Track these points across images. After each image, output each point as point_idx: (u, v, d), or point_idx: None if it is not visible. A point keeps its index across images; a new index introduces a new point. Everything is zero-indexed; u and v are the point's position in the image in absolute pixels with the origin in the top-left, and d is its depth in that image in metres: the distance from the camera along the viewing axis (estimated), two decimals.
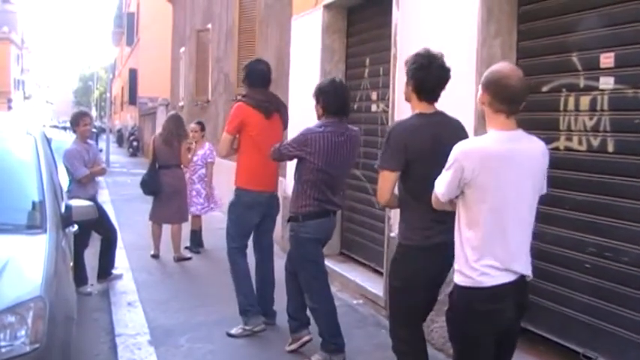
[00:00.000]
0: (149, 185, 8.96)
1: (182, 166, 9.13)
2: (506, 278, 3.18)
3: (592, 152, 4.42)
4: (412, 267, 4.01)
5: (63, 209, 4.79)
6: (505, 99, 3.18)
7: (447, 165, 3.21)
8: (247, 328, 5.90)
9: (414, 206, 4.01)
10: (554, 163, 3.81)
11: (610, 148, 4.29)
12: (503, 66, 3.33)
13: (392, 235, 6.30)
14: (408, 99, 4.20)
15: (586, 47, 4.46)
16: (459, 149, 3.20)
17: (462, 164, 3.15)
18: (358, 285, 7.08)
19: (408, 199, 4.05)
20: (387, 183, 4.01)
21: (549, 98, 4.64)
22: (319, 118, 5.24)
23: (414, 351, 4.13)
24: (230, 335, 5.85)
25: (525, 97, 3.25)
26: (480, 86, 3.29)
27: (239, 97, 6.41)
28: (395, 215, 6.26)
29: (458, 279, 3.26)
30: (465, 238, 3.23)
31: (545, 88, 4.73)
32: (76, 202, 4.99)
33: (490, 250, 3.16)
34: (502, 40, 5.05)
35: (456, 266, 3.30)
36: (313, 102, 5.33)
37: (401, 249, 4.10)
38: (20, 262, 3.90)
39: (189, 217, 9.52)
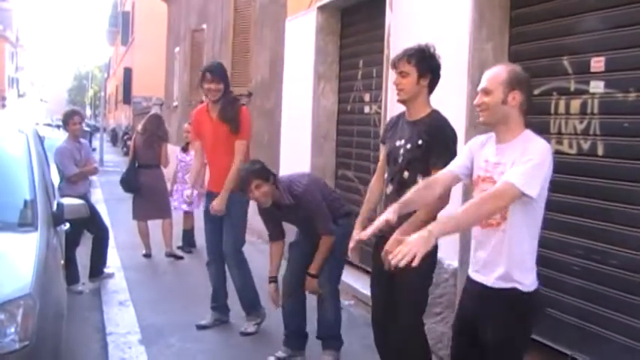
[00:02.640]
0: (128, 183, 9.01)
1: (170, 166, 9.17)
2: None
3: (582, 155, 4.44)
4: (434, 263, 4.11)
5: (55, 207, 4.79)
6: (529, 100, 3.20)
7: (538, 161, 3.06)
8: (259, 321, 6.09)
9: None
10: None
11: (600, 151, 4.31)
12: (518, 66, 3.31)
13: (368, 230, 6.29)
14: (413, 97, 4.05)
15: (577, 51, 4.49)
16: (547, 147, 3.13)
17: (549, 162, 3.13)
18: (349, 286, 7.09)
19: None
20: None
21: (540, 101, 4.66)
22: None
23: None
24: (246, 334, 5.96)
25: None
26: (500, 86, 3.16)
27: (239, 100, 6.43)
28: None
29: (535, 285, 3.25)
30: (532, 245, 3.24)
31: (536, 92, 4.74)
32: (67, 201, 4.99)
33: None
34: (494, 44, 5.08)
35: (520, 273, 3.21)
36: (310, 102, 5.36)
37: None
38: (10, 259, 3.91)
39: (182, 216, 9.54)
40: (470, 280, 3.38)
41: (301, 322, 5.36)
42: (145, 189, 8.87)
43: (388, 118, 6.25)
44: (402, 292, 4.06)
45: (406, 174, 4.05)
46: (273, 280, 5.37)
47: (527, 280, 3.20)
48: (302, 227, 5.35)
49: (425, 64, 4.02)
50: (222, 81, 5.99)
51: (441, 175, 3.53)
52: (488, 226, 3.23)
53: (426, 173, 3.90)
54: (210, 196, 6.10)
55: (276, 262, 5.40)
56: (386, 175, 4.27)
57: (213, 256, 6.28)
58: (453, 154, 3.85)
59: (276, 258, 5.41)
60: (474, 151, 3.39)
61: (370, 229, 3.55)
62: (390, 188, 4.18)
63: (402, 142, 4.11)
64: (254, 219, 6.57)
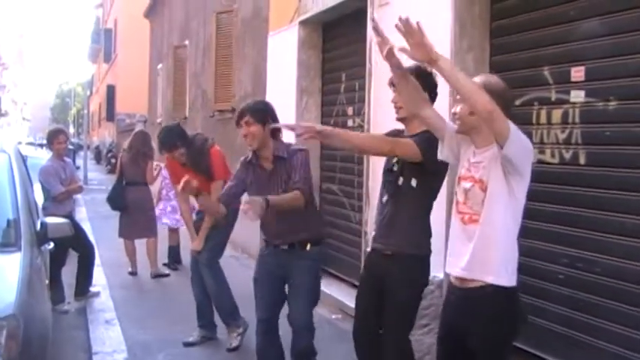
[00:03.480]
0: (115, 201, 8.97)
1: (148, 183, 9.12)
2: None
3: (565, 164, 4.48)
4: (425, 284, 4.13)
5: (38, 227, 4.77)
6: (507, 109, 3.14)
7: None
8: (241, 331, 6.07)
9: (427, 218, 4.01)
10: None
11: (582, 160, 4.35)
12: (498, 78, 3.30)
13: (368, 249, 6.31)
14: (412, 115, 4.00)
15: (557, 61, 4.53)
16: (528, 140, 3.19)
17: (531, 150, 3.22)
18: (336, 300, 7.09)
19: (426, 211, 4.01)
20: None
21: (522, 112, 4.69)
22: None
23: None
24: (233, 349, 5.93)
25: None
26: None
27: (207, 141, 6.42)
28: (372, 230, 6.28)
29: (507, 281, 3.19)
30: (514, 232, 3.20)
31: (517, 102, 4.77)
32: (51, 220, 4.96)
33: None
34: (474, 55, 5.12)
35: (498, 268, 3.19)
36: (294, 116, 5.28)
37: (425, 259, 4.05)
38: None
39: (168, 233, 9.51)
40: (450, 285, 3.40)
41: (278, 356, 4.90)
42: (131, 207, 8.83)
43: (372, 131, 6.30)
44: (393, 309, 4.04)
45: (400, 180, 4.04)
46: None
47: (504, 277, 3.18)
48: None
49: (422, 83, 4.02)
50: (173, 148, 6.17)
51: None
52: (470, 222, 3.24)
53: (418, 176, 3.94)
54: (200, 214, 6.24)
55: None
56: (380, 187, 4.26)
57: (196, 274, 6.25)
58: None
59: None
60: (461, 145, 3.41)
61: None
62: (385, 197, 4.17)
63: None
64: (237, 234, 6.57)
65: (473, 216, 3.23)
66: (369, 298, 4.20)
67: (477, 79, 3.27)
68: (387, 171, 4.19)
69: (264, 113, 4.60)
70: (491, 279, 3.18)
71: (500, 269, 3.18)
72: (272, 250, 4.70)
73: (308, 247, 4.60)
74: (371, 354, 4.20)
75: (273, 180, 4.55)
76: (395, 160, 4.11)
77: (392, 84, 4.13)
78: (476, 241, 3.21)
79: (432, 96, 4.09)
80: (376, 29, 3.54)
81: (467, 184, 3.26)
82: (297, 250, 4.58)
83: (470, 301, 3.25)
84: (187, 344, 6.03)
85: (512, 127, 3.01)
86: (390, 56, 3.51)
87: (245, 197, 4.43)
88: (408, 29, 3.05)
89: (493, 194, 3.15)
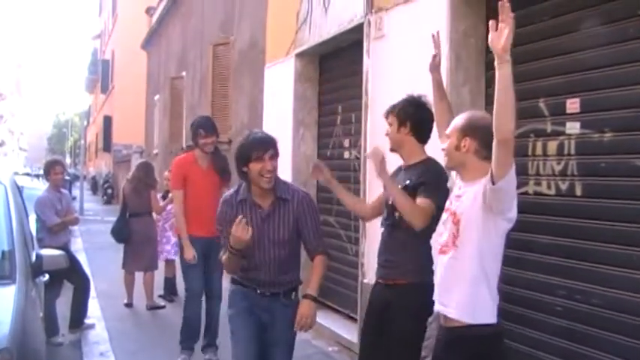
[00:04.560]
0: (119, 233, 8.94)
1: (153, 213, 9.10)
2: None
3: (561, 196, 4.48)
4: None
5: (34, 259, 4.74)
6: (490, 146, 3.09)
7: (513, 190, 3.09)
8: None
9: (427, 247, 3.87)
10: (524, 207, 3.85)
11: (578, 191, 4.35)
12: (485, 114, 3.32)
13: (365, 281, 6.31)
14: (398, 146, 4.16)
15: (552, 93, 4.55)
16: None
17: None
18: (333, 332, 7.05)
19: (425, 240, 3.89)
20: (430, 214, 3.77)
21: (518, 143, 4.66)
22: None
23: None
24: None
25: None
26: (455, 132, 3.26)
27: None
28: (369, 261, 6.28)
29: (490, 320, 3.18)
30: (487, 271, 3.17)
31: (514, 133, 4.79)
32: (46, 252, 4.95)
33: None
34: (470, 87, 5.15)
35: (462, 304, 3.19)
36: (290, 148, 5.17)
37: (426, 287, 3.81)
38: None
39: (163, 264, 9.47)
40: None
41: None
42: (136, 238, 8.80)
43: (368, 163, 6.31)
44: (394, 339, 4.02)
45: (397, 214, 4.04)
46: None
47: (467, 314, 3.17)
48: (271, 254, 4.13)
49: (403, 114, 4.12)
50: (215, 134, 6.53)
51: None
52: (441, 253, 3.29)
53: None
54: (198, 241, 6.33)
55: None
56: (381, 220, 4.29)
57: (195, 301, 6.50)
58: (437, 190, 3.87)
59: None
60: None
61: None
62: (383, 229, 4.24)
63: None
64: None
65: (443, 247, 3.28)
66: (372, 333, 4.20)
67: (464, 114, 3.37)
68: (386, 202, 4.22)
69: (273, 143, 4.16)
70: (453, 313, 3.21)
71: (465, 306, 3.17)
72: (249, 293, 4.21)
73: (293, 295, 4.23)
74: None
75: (269, 222, 4.10)
76: None
77: (387, 116, 4.21)
78: (443, 271, 3.28)
79: (418, 126, 4.13)
80: (435, 42, 3.90)
81: (444, 216, 3.33)
82: (281, 298, 4.18)
83: (442, 331, 3.34)
84: None
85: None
86: (433, 68, 3.82)
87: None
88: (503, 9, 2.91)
89: (465, 228, 3.17)
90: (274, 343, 4.19)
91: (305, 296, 4.07)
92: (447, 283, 3.26)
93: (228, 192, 4.34)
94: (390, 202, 4.11)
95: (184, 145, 6.71)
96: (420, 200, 3.85)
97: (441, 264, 3.32)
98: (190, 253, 6.26)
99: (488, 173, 3.08)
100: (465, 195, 3.22)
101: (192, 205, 6.38)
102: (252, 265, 4.13)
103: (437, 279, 3.36)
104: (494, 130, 2.93)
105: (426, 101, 4.20)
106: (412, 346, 3.99)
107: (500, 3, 2.90)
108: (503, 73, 2.90)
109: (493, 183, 2.97)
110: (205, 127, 6.48)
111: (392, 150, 4.24)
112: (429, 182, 3.93)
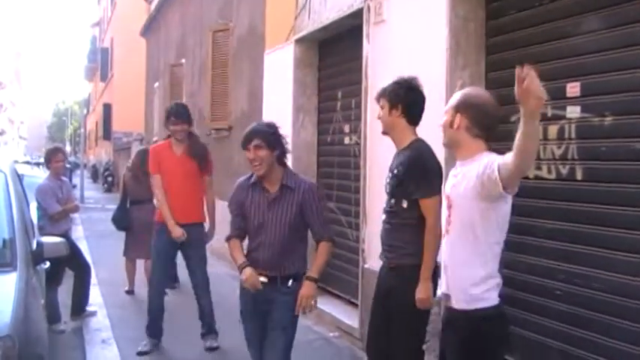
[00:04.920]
0: (120, 221, 8.94)
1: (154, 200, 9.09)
2: None
3: (561, 180, 4.47)
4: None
5: (34, 246, 4.75)
6: (484, 126, 3.19)
7: None
8: (216, 336, 6.50)
9: (421, 227, 4.04)
10: (525, 192, 3.86)
11: (578, 175, 4.34)
12: (482, 92, 3.32)
13: (366, 266, 6.32)
14: (390, 128, 4.20)
15: (552, 77, 4.53)
16: None
17: None
18: (334, 317, 7.06)
19: (421, 224, 4.04)
20: (440, 207, 3.71)
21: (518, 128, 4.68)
22: None
23: None
24: (214, 348, 6.34)
25: (498, 126, 3.30)
26: (450, 109, 3.27)
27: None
28: (370, 247, 6.28)
29: (487, 304, 3.17)
30: (484, 252, 3.16)
31: (513, 118, 4.75)
32: (47, 239, 4.95)
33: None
34: (470, 72, 5.14)
35: (458, 288, 3.24)
36: (290, 134, 5.09)
37: (419, 269, 4.02)
38: None
39: None
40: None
41: None
42: (136, 226, 8.79)
43: (368, 149, 6.32)
44: (399, 321, 4.10)
45: (392, 201, 4.18)
46: (245, 265, 4.32)
47: (461, 300, 3.19)
48: (275, 237, 4.32)
49: (395, 96, 4.17)
50: (187, 122, 6.50)
51: None
52: (445, 233, 3.33)
53: (410, 199, 4.07)
54: (164, 227, 6.40)
55: (241, 252, 4.45)
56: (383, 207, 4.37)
57: (158, 292, 6.63)
58: (430, 183, 4.02)
59: (240, 249, 4.47)
60: None
61: None
62: (383, 216, 4.31)
63: (390, 172, 4.24)
64: None
65: (444, 230, 3.34)
66: (378, 315, 4.28)
67: (461, 91, 3.38)
68: (386, 191, 4.29)
69: (275, 138, 4.34)
70: (452, 297, 3.25)
71: (460, 290, 3.20)
72: None
73: (290, 282, 4.34)
74: None
75: (274, 206, 4.31)
76: (387, 181, 4.21)
77: (378, 99, 4.22)
78: (443, 254, 3.34)
79: (409, 109, 4.19)
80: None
81: (443, 198, 3.39)
82: (279, 284, 4.31)
83: (445, 311, 3.39)
84: (141, 353, 6.30)
85: None
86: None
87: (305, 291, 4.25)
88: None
89: (458, 213, 3.21)
90: (273, 326, 4.32)
91: (306, 278, 4.27)
92: (447, 266, 3.30)
93: (243, 177, 4.55)
94: (387, 191, 4.17)
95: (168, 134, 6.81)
96: (423, 204, 4.00)
97: (443, 246, 3.37)
98: (179, 231, 6.32)
99: (480, 153, 3.16)
100: (459, 177, 3.23)
101: (166, 191, 6.46)
102: (256, 244, 4.35)
103: (441, 261, 3.40)
104: (516, 166, 2.86)
105: (417, 83, 4.24)
106: (416, 325, 4.10)
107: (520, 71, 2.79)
108: (534, 125, 2.78)
109: (503, 187, 2.96)
110: (176, 113, 6.47)
111: (384, 133, 4.30)
112: (419, 177, 4.02)
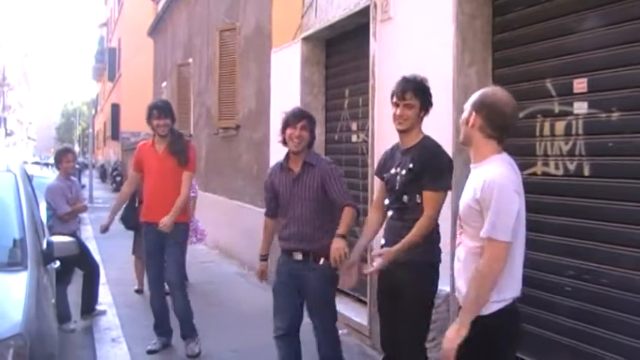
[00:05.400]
0: (128, 220, 8.95)
1: None
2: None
3: (568, 176, 4.48)
4: (434, 292, 4.25)
5: (44, 246, 4.78)
6: (498, 126, 3.16)
7: (501, 203, 3.01)
8: (198, 340, 6.32)
9: (436, 227, 4.16)
10: (532, 188, 3.87)
11: (586, 171, 4.35)
12: (499, 91, 3.26)
13: (374, 263, 6.31)
14: (411, 127, 4.19)
15: (559, 73, 4.54)
16: (509, 181, 3.07)
17: (519, 197, 3.10)
18: (343, 315, 7.06)
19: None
20: (442, 204, 4.02)
21: (525, 124, 4.70)
22: None
23: None
24: (195, 355, 6.18)
25: (513, 127, 3.28)
26: (469, 107, 3.25)
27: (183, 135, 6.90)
28: (378, 245, 6.28)
29: (505, 302, 3.16)
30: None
31: (521, 115, 4.78)
32: (57, 239, 4.97)
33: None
34: (477, 69, 5.14)
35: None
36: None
37: (435, 266, 4.15)
38: (0, 299, 3.88)
39: None
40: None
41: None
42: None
43: (376, 146, 6.31)
44: (405, 315, 4.13)
45: (405, 198, 4.18)
46: (264, 258, 5.20)
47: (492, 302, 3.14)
48: (300, 211, 4.88)
49: (425, 98, 4.22)
50: (169, 117, 6.37)
51: None
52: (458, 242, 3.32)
53: (421, 193, 4.10)
54: (149, 226, 6.32)
55: (268, 240, 5.23)
56: (386, 202, 4.37)
57: (157, 291, 6.55)
58: (443, 177, 4.09)
59: (269, 236, 5.23)
60: None
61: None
62: (390, 212, 4.32)
63: (398, 169, 4.24)
64: (244, 252, 6.51)
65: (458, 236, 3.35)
66: (390, 312, 4.29)
67: (482, 89, 3.34)
68: (391, 187, 4.30)
69: (314, 124, 5.07)
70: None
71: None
72: (286, 259, 4.95)
73: (321, 261, 4.74)
74: None
75: (298, 183, 4.89)
76: (397, 178, 4.21)
77: (401, 97, 4.17)
78: (457, 259, 3.33)
79: (427, 108, 4.23)
80: None
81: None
82: (311, 262, 4.83)
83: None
84: (151, 352, 6.32)
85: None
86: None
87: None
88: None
89: (467, 225, 3.22)
90: (311, 306, 4.93)
91: (335, 235, 4.65)
92: (458, 271, 3.30)
93: (275, 163, 5.19)
94: (398, 188, 4.17)
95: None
96: (427, 195, 4.06)
97: (456, 255, 3.36)
98: (105, 226, 6.55)
99: (489, 157, 3.15)
100: (467, 185, 3.23)
101: (147, 189, 6.43)
102: (287, 221, 4.94)
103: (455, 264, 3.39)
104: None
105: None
106: (421, 320, 4.16)
107: None
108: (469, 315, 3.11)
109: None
110: (159, 108, 6.38)
111: (402, 131, 4.25)
112: (434, 170, 4.07)
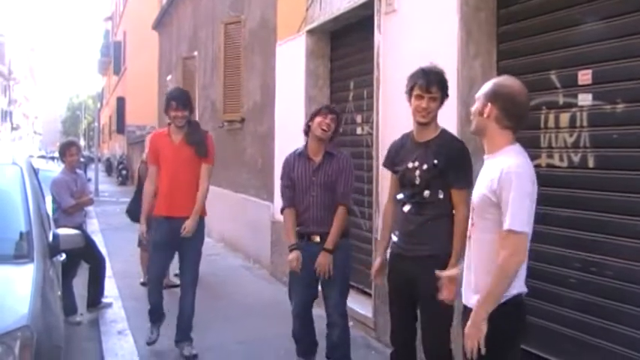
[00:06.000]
0: (135, 213, 8.95)
1: None
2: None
3: (573, 168, 4.48)
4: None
5: (50, 238, 4.79)
6: (514, 116, 3.15)
7: (520, 194, 3.03)
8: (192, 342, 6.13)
9: (449, 220, 4.15)
10: (537, 180, 3.85)
11: (590, 163, 4.34)
12: (512, 81, 3.26)
13: (445, 292, 6.32)
14: (432, 119, 4.22)
15: (564, 65, 4.53)
16: (526, 172, 3.08)
17: (534, 187, 3.11)
18: (347, 307, 7.05)
19: (446, 215, 4.15)
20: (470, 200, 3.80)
21: (530, 116, 4.68)
22: None
23: None
24: (194, 356, 6.01)
25: (528, 115, 3.29)
26: (482, 97, 3.23)
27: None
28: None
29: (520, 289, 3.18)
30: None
31: None
32: (63, 231, 4.98)
33: None
34: (482, 61, 5.13)
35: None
36: (302, 125, 5.43)
37: (445, 260, 4.07)
38: (7, 291, 3.89)
39: None
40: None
41: (312, 335, 5.51)
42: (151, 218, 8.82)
43: (380, 139, 6.31)
44: (430, 310, 4.15)
45: (427, 193, 4.18)
46: (293, 247, 5.27)
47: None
48: (319, 198, 5.22)
49: (445, 90, 4.26)
50: (188, 108, 6.12)
51: None
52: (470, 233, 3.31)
53: (446, 189, 4.12)
54: (168, 221, 6.03)
55: (294, 230, 5.32)
56: (400, 196, 4.35)
57: (157, 287, 6.34)
58: (468, 173, 4.10)
59: (293, 226, 5.33)
60: None
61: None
62: (408, 207, 4.28)
63: (417, 163, 4.21)
64: (249, 245, 6.51)
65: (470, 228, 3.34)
66: (404, 306, 4.32)
67: (495, 79, 3.34)
68: (408, 182, 4.27)
69: (340, 123, 5.52)
70: (471, 298, 3.23)
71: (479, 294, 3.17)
72: (305, 244, 5.24)
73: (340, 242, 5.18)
74: (409, 356, 4.37)
75: (318, 172, 5.24)
76: (416, 173, 4.19)
77: (427, 90, 4.17)
78: (468, 250, 3.32)
79: (444, 100, 4.26)
80: None
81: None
82: None
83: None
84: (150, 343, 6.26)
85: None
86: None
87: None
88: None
89: (479, 218, 3.22)
90: (327, 282, 5.22)
91: (323, 249, 5.13)
92: (469, 262, 3.29)
93: (288, 154, 5.47)
94: (418, 183, 4.18)
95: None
96: (457, 193, 4.10)
97: (467, 243, 3.36)
98: (144, 228, 6.25)
99: (504, 148, 3.14)
100: (481, 176, 3.23)
101: (163, 181, 6.10)
102: (305, 206, 5.26)
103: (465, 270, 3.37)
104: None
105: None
106: (445, 312, 4.10)
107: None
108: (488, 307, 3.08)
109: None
110: (178, 99, 6.11)
111: (424, 124, 4.24)
112: (459, 167, 4.10)
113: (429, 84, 4.17)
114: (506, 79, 3.30)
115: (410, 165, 4.23)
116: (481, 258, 3.20)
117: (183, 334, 6.14)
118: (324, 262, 5.09)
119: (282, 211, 5.43)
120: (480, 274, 3.19)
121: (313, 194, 5.23)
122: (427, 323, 4.22)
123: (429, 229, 4.17)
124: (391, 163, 4.49)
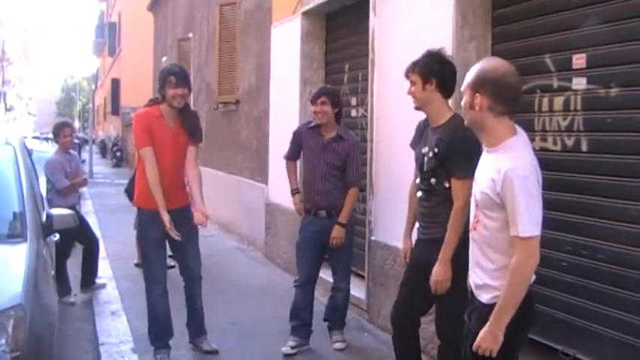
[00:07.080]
0: (132, 193, 8.95)
1: None
2: None
3: (566, 152, 4.48)
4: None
5: (44, 218, 4.80)
6: (507, 99, 2.96)
7: (526, 197, 2.87)
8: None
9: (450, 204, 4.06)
10: None
11: (584, 147, 4.35)
12: (497, 62, 3.09)
13: (373, 238, 6.36)
14: (425, 103, 4.16)
15: (558, 49, 4.53)
16: (530, 174, 2.91)
17: (538, 184, 2.98)
18: None
19: (450, 198, 4.05)
20: (469, 190, 3.48)
21: (524, 99, 4.66)
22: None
23: None
24: (214, 350, 5.68)
25: (522, 95, 3.21)
26: (467, 89, 3.05)
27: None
28: (376, 219, 6.31)
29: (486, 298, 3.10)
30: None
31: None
32: (56, 211, 5.00)
33: None
34: (477, 44, 5.12)
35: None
36: (297, 107, 5.51)
37: (464, 244, 4.03)
38: (0, 270, 3.91)
39: None
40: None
41: (309, 315, 5.76)
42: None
43: (375, 121, 6.32)
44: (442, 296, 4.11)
45: (433, 181, 4.16)
46: (296, 191, 6.04)
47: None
48: (325, 171, 5.65)
49: (427, 70, 4.14)
50: (187, 86, 5.42)
51: None
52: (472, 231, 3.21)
53: (449, 178, 4.07)
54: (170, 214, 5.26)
55: (295, 177, 6.09)
56: (418, 180, 4.34)
57: (163, 296, 5.58)
58: (471, 162, 3.85)
59: (294, 173, 6.10)
60: None
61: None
62: (420, 193, 4.31)
63: (426, 149, 4.19)
64: (243, 226, 6.51)
65: (472, 223, 3.22)
66: (415, 285, 4.29)
67: (476, 66, 3.11)
68: (420, 167, 4.27)
69: (337, 99, 5.74)
70: (478, 293, 3.16)
71: (484, 290, 3.12)
72: (312, 218, 5.73)
73: None
74: (409, 339, 4.40)
75: (327, 149, 5.64)
76: (424, 159, 4.18)
77: (407, 74, 4.19)
78: (471, 246, 3.23)
79: (444, 82, 4.18)
80: None
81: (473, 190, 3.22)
82: (334, 216, 5.62)
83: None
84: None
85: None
86: None
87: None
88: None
89: (483, 214, 3.08)
90: (334, 254, 5.79)
91: (336, 223, 5.61)
92: (472, 258, 3.21)
93: (300, 124, 6.42)
94: (425, 170, 4.16)
95: (151, 99, 5.93)
96: (455, 183, 3.98)
97: (471, 238, 3.23)
98: (167, 218, 5.20)
99: (506, 137, 2.99)
100: (482, 171, 3.09)
101: (160, 169, 5.31)
102: (311, 178, 5.73)
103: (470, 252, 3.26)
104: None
105: (446, 54, 4.28)
106: (458, 293, 4.03)
107: None
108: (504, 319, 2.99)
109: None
110: (178, 75, 5.37)
111: (417, 108, 4.25)
112: (460, 155, 3.93)
113: (407, 69, 4.21)
114: (487, 63, 3.10)
115: (423, 150, 4.22)
116: (484, 252, 3.11)
117: (200, 328, 5.74)
118: (338, 235, 5.59)
119: (285, 158, 6.10)
120: (483, 271, 3.12)
121: (321, 171, 5.64)
122: (440, 305, 4.23)
123: (438, 214, 4.14)
124: (413, 143, 4.43)
